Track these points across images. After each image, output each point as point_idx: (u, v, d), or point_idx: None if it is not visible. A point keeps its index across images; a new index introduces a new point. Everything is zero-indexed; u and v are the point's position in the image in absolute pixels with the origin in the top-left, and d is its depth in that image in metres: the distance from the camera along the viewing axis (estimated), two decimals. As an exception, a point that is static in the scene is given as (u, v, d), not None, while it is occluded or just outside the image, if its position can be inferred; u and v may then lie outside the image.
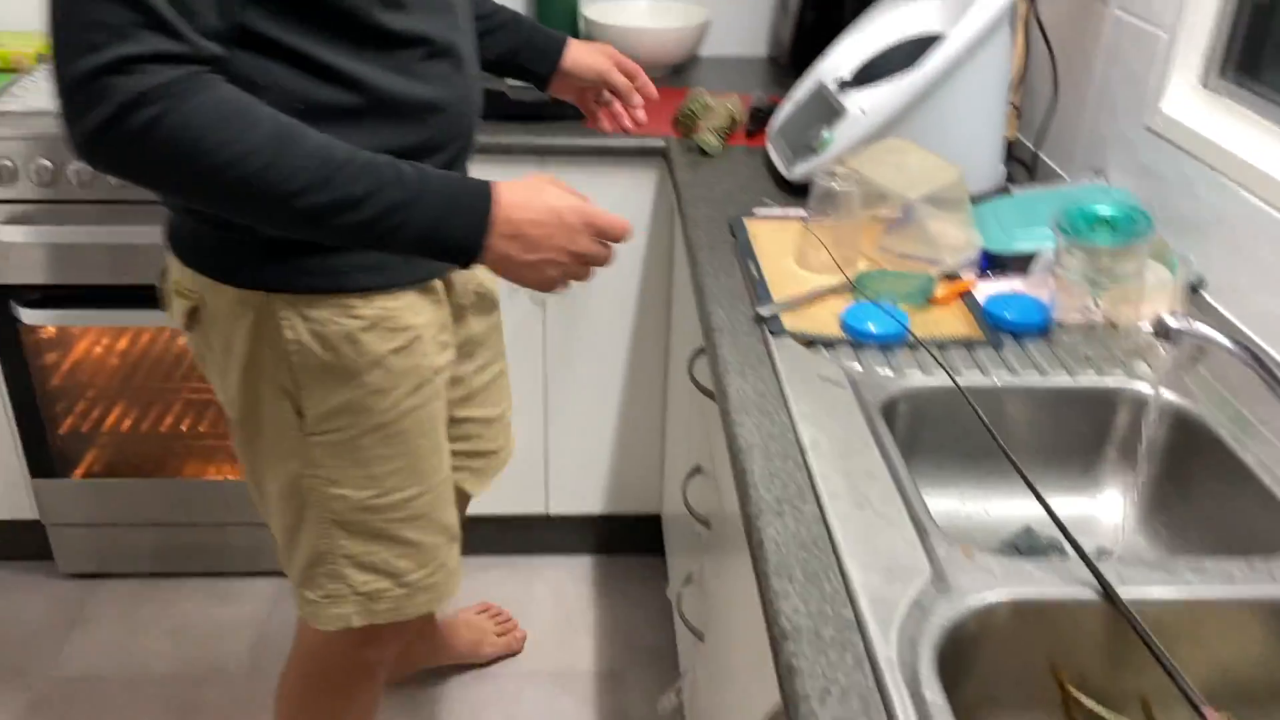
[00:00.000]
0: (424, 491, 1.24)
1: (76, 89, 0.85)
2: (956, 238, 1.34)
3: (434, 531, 1.27)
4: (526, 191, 1.00)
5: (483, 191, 0.99)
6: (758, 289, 1.28)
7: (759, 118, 1.86)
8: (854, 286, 1.27)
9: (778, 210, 1.51)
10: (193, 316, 1.15)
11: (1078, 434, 1.15)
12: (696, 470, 1.54)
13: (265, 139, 0.89)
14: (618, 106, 1.43)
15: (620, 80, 1.41)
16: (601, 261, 1.04)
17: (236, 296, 1.09)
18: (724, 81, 2.16)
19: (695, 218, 1.50)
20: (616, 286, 1.95)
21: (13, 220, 1.80)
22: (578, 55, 1.40)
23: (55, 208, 1.81)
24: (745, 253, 1.37)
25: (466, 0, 1.17)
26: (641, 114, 1.44)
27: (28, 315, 1.86)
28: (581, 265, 1.03)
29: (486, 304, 1.36)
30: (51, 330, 1.94)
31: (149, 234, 1.81)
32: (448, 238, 0.97)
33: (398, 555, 1.25)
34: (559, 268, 1.03)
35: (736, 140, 1.82)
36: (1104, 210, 1.14)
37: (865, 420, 1.03)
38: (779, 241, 1.41)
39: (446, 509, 1.29)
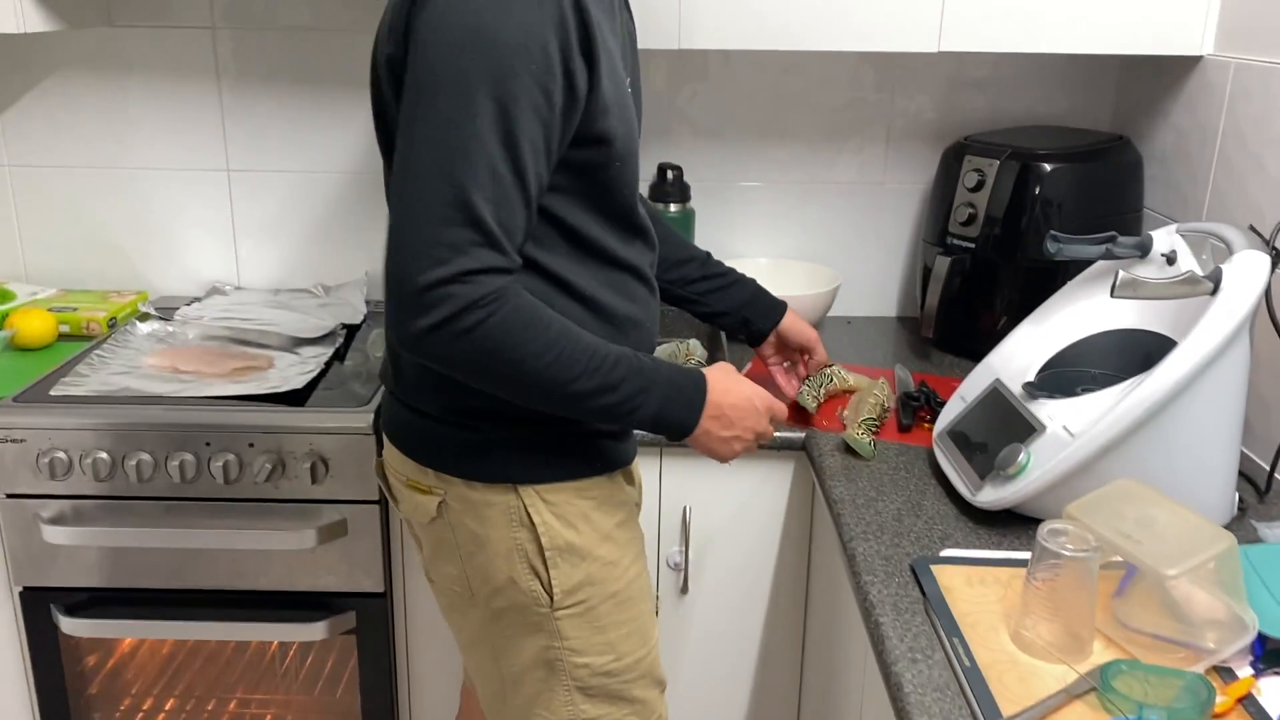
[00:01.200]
0: (649, 651, 1.32)
1: (421, 293, 1.01)
2: (1218, 611, 1.04)
3: (654, 686, 1.34)
4: (728, 379, 1.23)
5: (700, 381, 1.20)
6: (975, 693, 0.98)
7: (911, 408, 1.61)
8: (1101, 691, 0.98)
9: (971, 553, 1.23)
10: (439, 509, 1.24)
11: None
12: None
13: (554, 338, 1.08)
14: (800, 373, 1.63)
15: (821, 357, 1.61)
16: (768, 438, 1.29)
17: (486, 490, 1.20)
18: (855, 350, 1.93)
19: (865, 558, 1.22)
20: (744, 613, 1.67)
21: (62, 520, 1.59)
22: (792, 321, 1.58)
23: (110, 505, 1.59)
24: (944, 624, 1.09)
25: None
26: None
27: (68, 624, 1.63)
28: (756, 441, 1.27)
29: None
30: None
31: (214, 538, 1.58)
32: (673, 418, 1.18)
33: (628, 714, 1.31)
34: (742, 443, 1.25)
35: (888, 433, 1.57)
36: None
37: None
38: (981, 602, 1.12)
39: (660, 664, 1.37)
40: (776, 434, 1.57)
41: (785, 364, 1.63)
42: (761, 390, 1.26)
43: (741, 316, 1.56)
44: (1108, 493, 1.11)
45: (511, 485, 1.20)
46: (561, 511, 1.22)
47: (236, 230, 2.10)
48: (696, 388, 1.19)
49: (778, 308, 1.57)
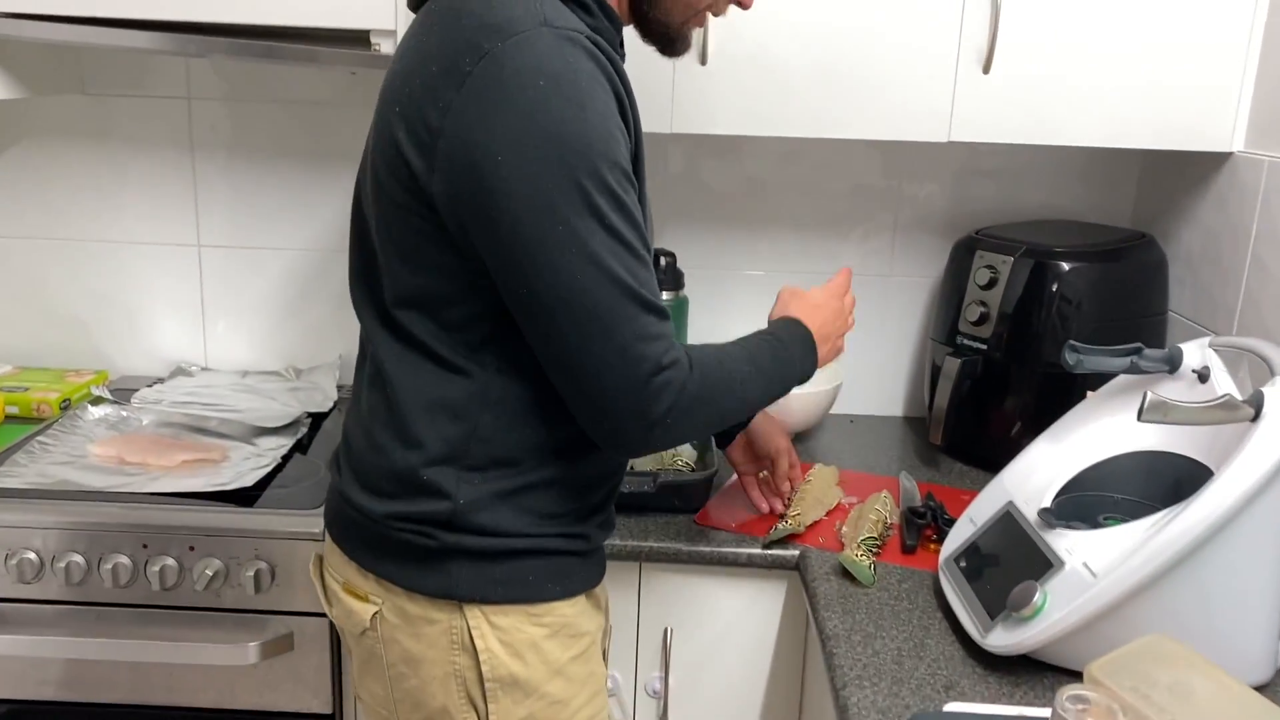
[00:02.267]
0: None
1: (645, 391, 1.00)
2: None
3: None
4: (804, 305, 1.27)
5: (803, 328, 1.23)
6: None
7: (916, 526, 1.47)
8: None
9: (979, 708, 1.08)
10: (372, 620, 1.13)
11: None
12: None
13: (730, 367, 1.10)
14: (773, 485, 1.54)
15: (782, 472, 1.52)
16: (852, 305, 1.35)
17: (428, 605, 1.10)
18: (857, 453, 1.80)
19: (859, 709, 1.08)
20: (728, 727, 1.51)
21: (35, 626, 1.45)
22: (763, 424, 1.50)
23: (35, 610, 1.46)
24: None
25: None
26: (780, 505, 1.54)
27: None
28: (850, 313, 1.33)
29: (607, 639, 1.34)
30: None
31: (148, 649, 1.44)
32: (806, 370, 1.22)
33: None
34: (842, 339, 1.31)
35: (890, 553, 1.43)
36: None
37: None
38: (990, 773, 0.98)
39: None
40: (768, 552, 1.43)
41: (760, 473, 1.53)
42: (825, 291, 1.31)
43: None
44: (1137, 651, 0.97)
45: (456, 603, 1.09)
46: (509, 638, 1.10)
47: (206, 308, 1.99)
48: (804, 333, 1.22)
49: None
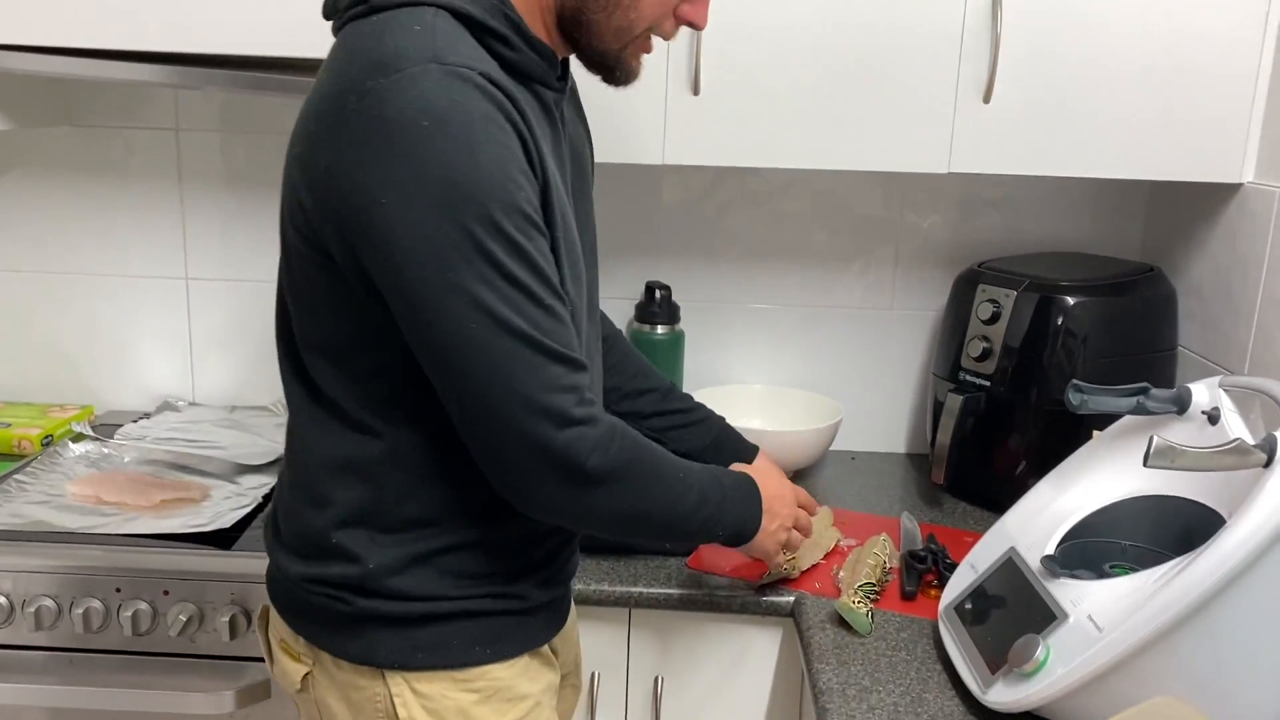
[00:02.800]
0: None
1: (549, 449, 0.93)
2: None
3: None
4: (760, 470, 1.19)
5: (752, 482, 1.15)
6: None
7: (916, 572, 1.41)
8: None
9: (977, 771, 1.03)
10: (304, 681, 1.09)
11: None
12: None
13: (661, 458, 1.03)
14: None
15: (802, 495, 1.37)
16: (807, 527, 1.26)
17: (351, 669, 1.05)
18: (857, 492, 1.74)
19: (851, 770, 1.02)
20: (721, 780, 1.45)
21: (3, 672, 1.41)
22: (766, 461, 1.40)
23: (3, 655, 1.41)
24: None
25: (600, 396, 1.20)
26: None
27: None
28: (795, 532, 1.23)
29: (574, 683, 1.30)
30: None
31: (120, 697, 1.39)
32: (744, 521, 1.14)
33: None
34: (786, 533, 1.21)
35: (889, 600, 1.37)
36: None
37: None
38: (989, 843, 0.92)
39: None
40: (761, 598, 1.38)
41: None
42: (784, 475, 1.23)
43: (707, 459, 1.35)
44: (1145, 714, 0.91)
45: (378, 670, 1.04)
46: (435, 705, 1.04)
47: (194, 342, 1.96)
48: (751, 484, 1.15)
49: (746, 452, 1.41)
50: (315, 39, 1.47)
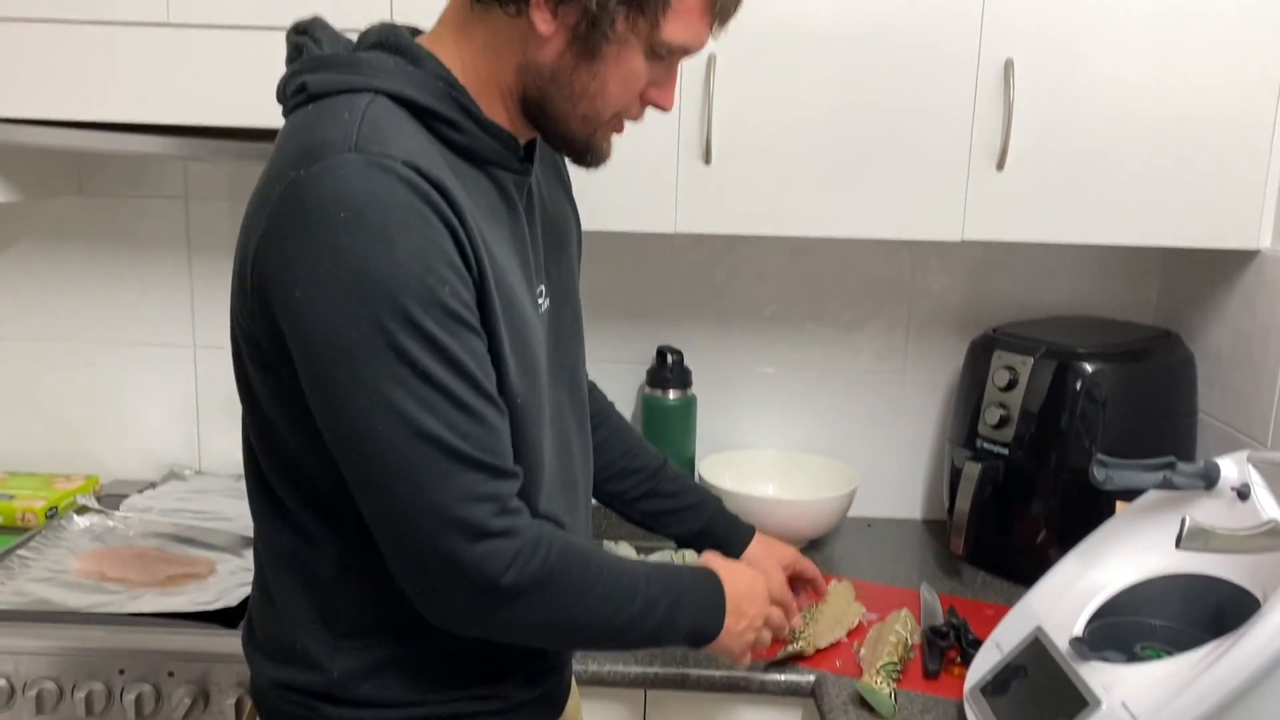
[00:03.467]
0: None
1: (462, 564, 0.88)
2: None
3: None
4: (730, 568, 1.12)
5: (714, 576, 1.09)
6: None
7: (938, 649, 1.38)
8: None
9: None
10: None
11: None
12: None
13: (598, 569, 0.97)
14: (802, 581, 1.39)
15: (809, 569, 1.37)
16: (781, 626, 1.17)
17: None
18: (875, 562, 1.71)
19: None
20: None
21: None
22: (761, 550, 1.34)
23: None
24: None
25: (587, 485, 1.17)
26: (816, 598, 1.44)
27: None
28: (766, 631, 1.14)
29: None
30: None
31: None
32: (704, 625, 1.06)
33: None
34: (754, 633, 1.12)
35: (911, 679, 1.34)
36: None
37: None
38: None
39: None
40: (781, 678, 1.35)
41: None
42: (759, 573, 1.16)
43: (700, 543, 1.33)
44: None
45: None
46: None
47: (200, 409, 1.94)
48: (714, 584, 1.08)
49: (739, 539, 1.34)
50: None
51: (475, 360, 0.89)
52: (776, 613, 1.16)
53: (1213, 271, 1.64)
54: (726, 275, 1.88)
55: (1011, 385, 1.60)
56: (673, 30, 0.93)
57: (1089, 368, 1.55)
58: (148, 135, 1.54)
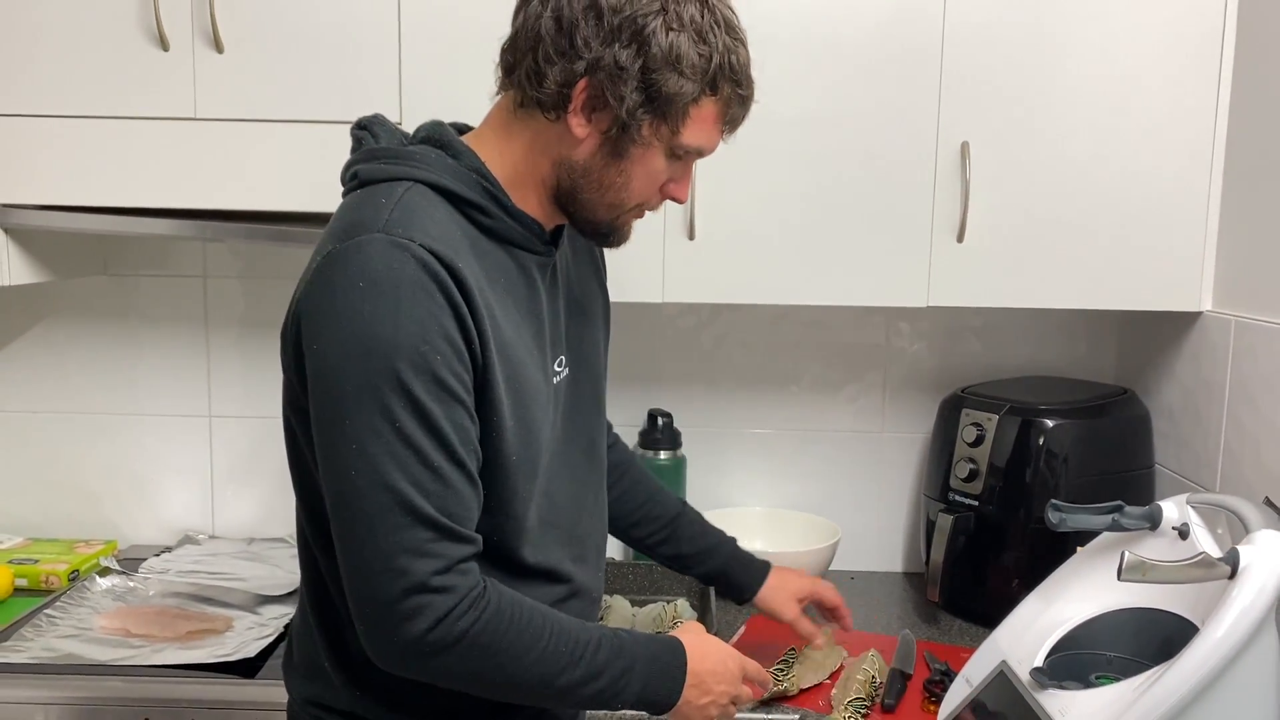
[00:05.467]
0: None
1: (394, 609, 0.96)
2: None
3: None
4: (702, 642, 1.16)
5: (677, 647, 1.13)
6: None
7: (896, 688, 1.47)
8: None
9: None
10: None
11: None
12: None
13: (537, 631, 1.02)
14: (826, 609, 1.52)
15: (829, 595, 1.50)
16: (747, 701, 1.19)
17: None
18: (858, 612, 1.78)
19: None
20: None
21: None
22: (777, 579, 1.48)
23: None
24: None
25: (601, 539, 1.27)
26: (848, 623, 1.53)
27: None
28: (731, 705, 1.17)
29: None
30: None
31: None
32: (658, 694, 1.10)
33: None
34: (719, 709, 1.15)
35: (884, 715, 1.42)
36: None
37: None
38: None
39: None
40: (767, 716, 1.43)
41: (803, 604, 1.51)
42: (735, 651, 1.19)
43: (722, 583, 1.48)
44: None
45: None
46: None
47: (214, 476, 2.04)
48: (676, 657, 1.12)
49: (755, 578, 1.47)
50: (328, 196, 1.60)
51: (455, 429, 0.99)
52: (746, 692, 1.18)
53: (1162, 333, 1.77)
54: (713, 342, 1.99)
55: (979, 441, 1.71)
56: (690, 135, 1.07)
57: (1050, 423, 1.66)
58: (170, 219, 1.66)
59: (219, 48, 1.59)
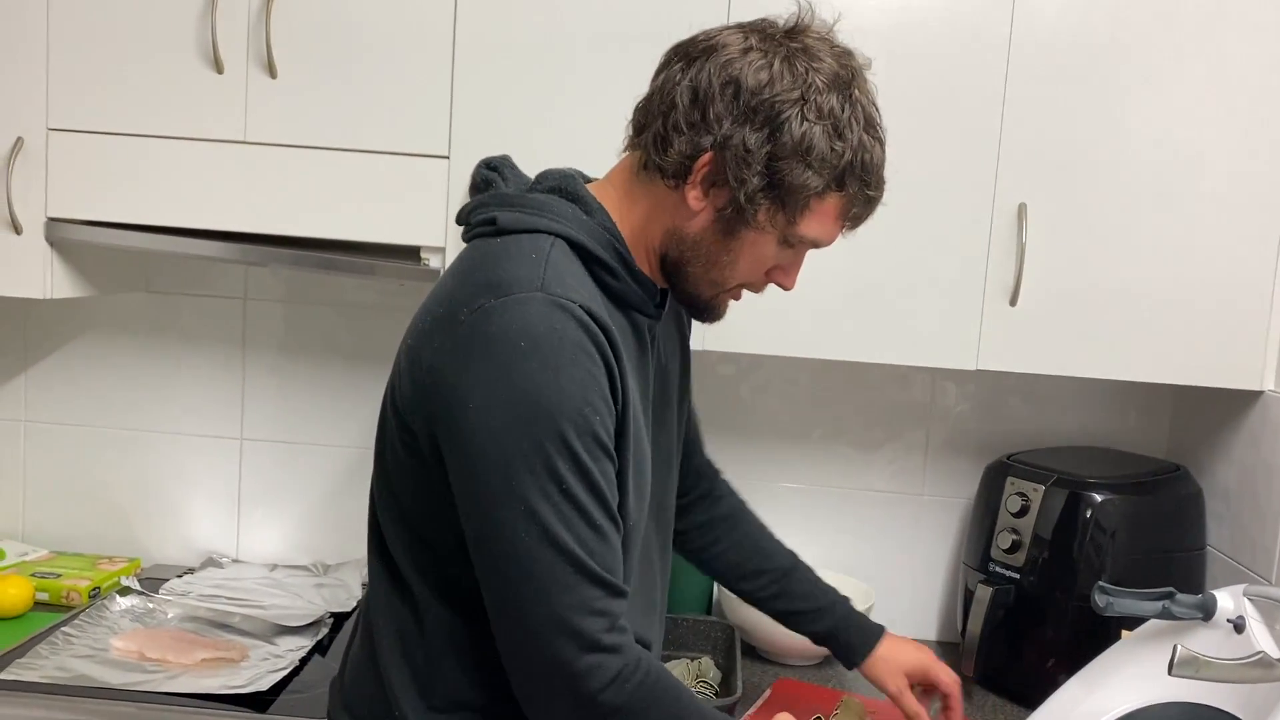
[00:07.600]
0: None
1: (573, 668, 0.95)
2: None
3: None
4: None
5: None
6: None
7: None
8: None
9: None
10: None
11: None
12: None
13: (688, 705, 1.03)
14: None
15: (945, 680, 1.40)
16: None
17: None
18: (888, 679, 1.74)
19: None
20: None
21: None
22: (891, 647, 1.42)
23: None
24: None
25: (664, 607, 1.26)
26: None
27: None
28: None
29: None
30: None
31: None
32: None
33: None
34: None
35: (916, 795, 1.36)
36: None
37: None
38: None
39: None
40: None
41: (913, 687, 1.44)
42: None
43: (833, 642, 1.43)
44: None
45: None
46: None
47: (242, 499, 2.02)
48: None
49: (866, 640, 1.42)
50: (382, 224, 1.59)
51: (609, 485, 0.99)
52: None
53: (1221, 409, 1.70)
54: (751, 391, 1.95)
55: (1024, 511, 1.65)
56: (808, 227, 1.06)
57: (1098, 497, 1.60)
58: (215, 240, 1.66)
59: (273, 73, 1.59)
